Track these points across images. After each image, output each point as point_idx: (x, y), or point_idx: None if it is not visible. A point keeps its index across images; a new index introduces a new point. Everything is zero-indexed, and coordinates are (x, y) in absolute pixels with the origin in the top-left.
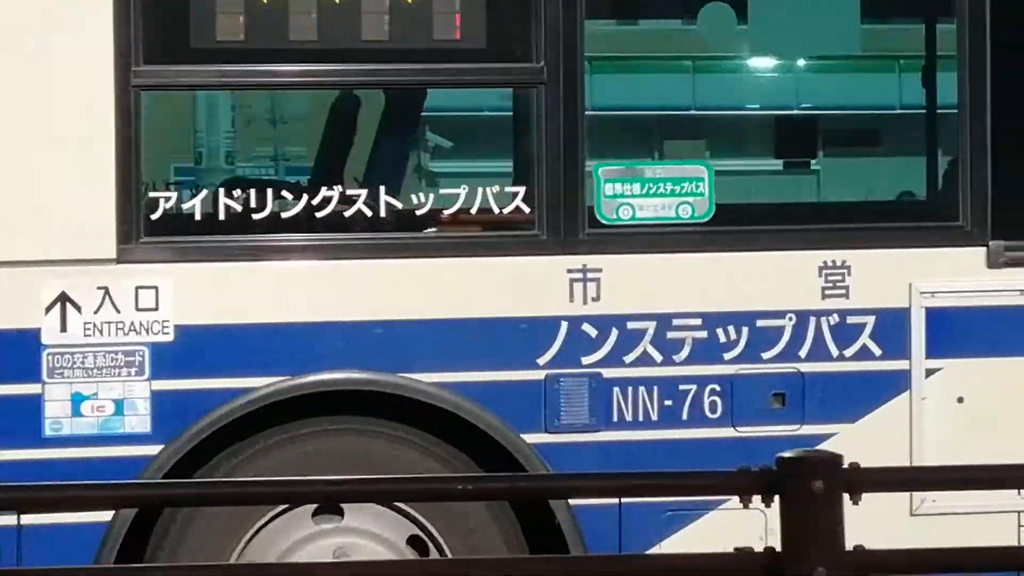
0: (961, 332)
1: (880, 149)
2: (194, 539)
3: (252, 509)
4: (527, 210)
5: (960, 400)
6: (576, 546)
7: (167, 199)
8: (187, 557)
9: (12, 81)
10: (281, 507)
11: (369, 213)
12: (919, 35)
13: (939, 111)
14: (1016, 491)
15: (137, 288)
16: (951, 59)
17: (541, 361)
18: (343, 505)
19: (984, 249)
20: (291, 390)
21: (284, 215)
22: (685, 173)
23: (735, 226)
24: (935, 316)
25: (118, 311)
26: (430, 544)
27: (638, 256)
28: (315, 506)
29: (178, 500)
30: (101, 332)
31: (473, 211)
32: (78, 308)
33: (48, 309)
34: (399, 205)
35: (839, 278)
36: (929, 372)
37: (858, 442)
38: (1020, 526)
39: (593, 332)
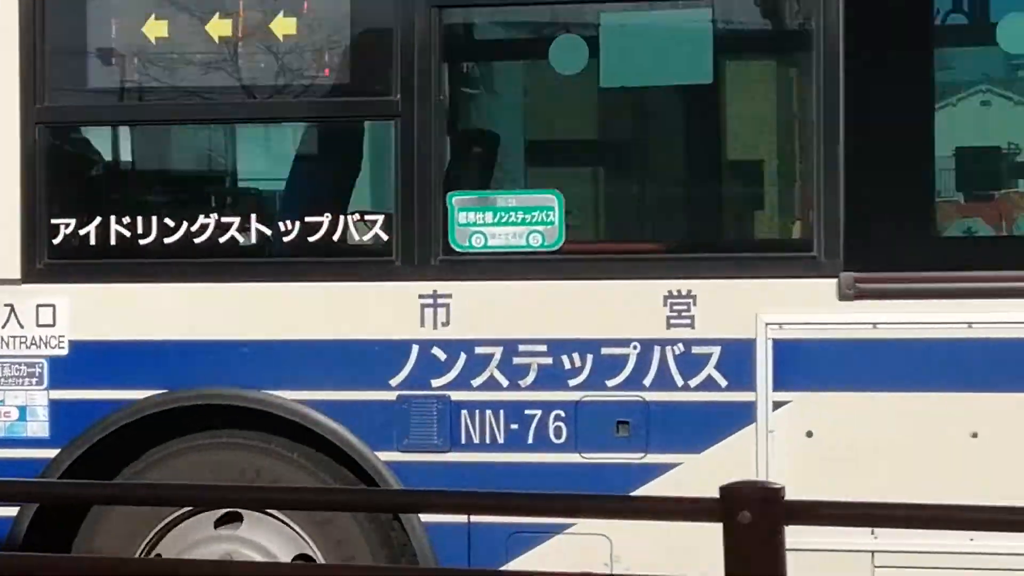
0: (810, 365)
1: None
2: (102, 538)
3: (156, 511)
4: (384, 237)
5: (809, 434)
6: (427, 561)
7: (67, 225)
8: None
9: None
10: (186, 510)
11: (241, 239)
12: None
13: (791, 141)
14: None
15: (37, 306)
16: (805, 93)
17: (394, 382)
18: (244, 515)
19: (835, 280)
20: (165, 402)
21: (166, 240)
22: (536, 202)
23: (581, 254)
24: (783, 348)
25: (21, 326)
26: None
27: (487, 283)
28: (221, 513)
29: (98, 499)
30: (7, 345)
31: (335, 238)
32: None
33: None
34: (268, 231)
35: (684, 307)
36: (777, 405)
37: (704, 473)
38: (874, 567)
39: (443, 356)
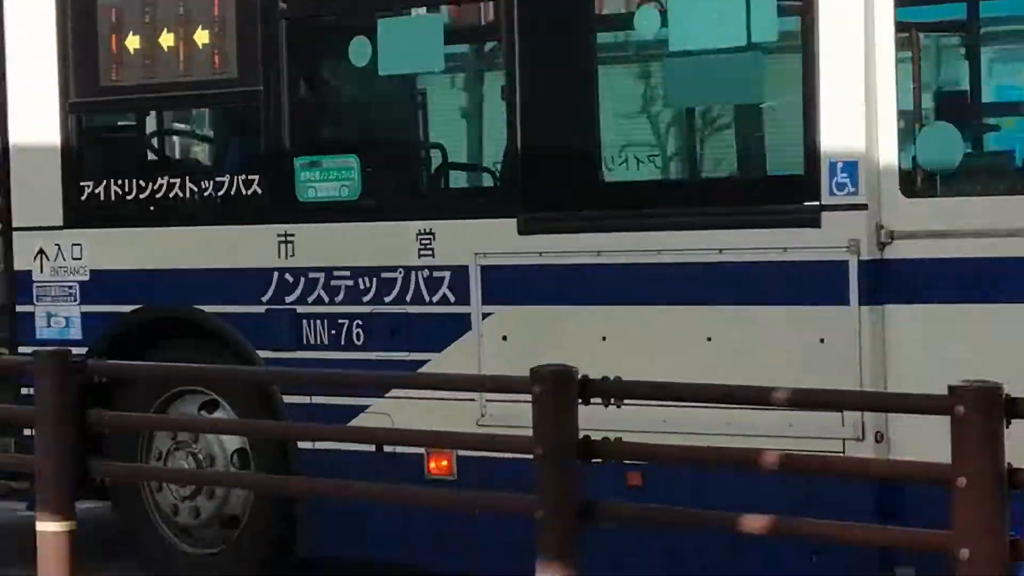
0: (503, 286)
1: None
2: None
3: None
4: (259, 191)
5: (504, 338)
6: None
7: (88, 187)
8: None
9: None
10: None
11: (179, 195)
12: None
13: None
14: None
15: (72, 244)
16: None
17: (263, 299)
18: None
19: (515, 220)
20: (140, 316)
21: (141, 197)
22: (342, 164)
23: (369, 203)
24: (486, 273)
25: (64, 259)
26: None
27: (317, 225)
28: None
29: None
30: (56, 273)
31: (229, 194)
32: (47, 257)
33: (35, 257)
34: (194, 192)
35: (428, 242)
36: (484, 316)
37: (445, 366)
38: None
39: (291, 279)
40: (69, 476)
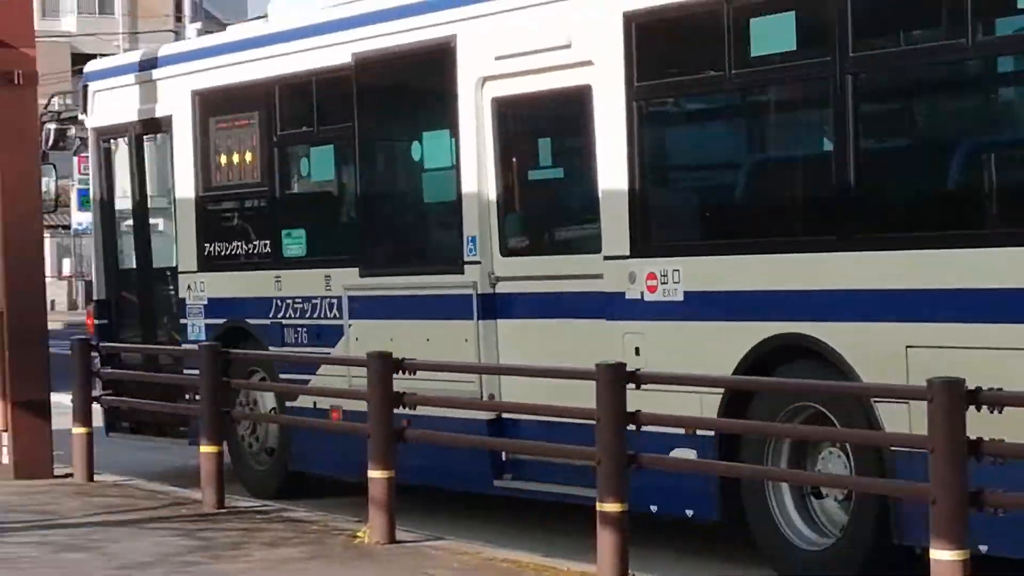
0: (355, 307)
1: None
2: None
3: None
4: None
5: (357, 339)
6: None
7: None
8: None
9: None
10: None
11: None
12: None
13: None
14: None
15: (200, 282)
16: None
17: (270, 316)
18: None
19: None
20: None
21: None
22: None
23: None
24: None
25: (198, 291)
26: None
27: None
28: None
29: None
30: (194, 299)
31: None
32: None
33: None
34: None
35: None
36: (349, 325)
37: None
38: None
39: (281, 304)
40: None
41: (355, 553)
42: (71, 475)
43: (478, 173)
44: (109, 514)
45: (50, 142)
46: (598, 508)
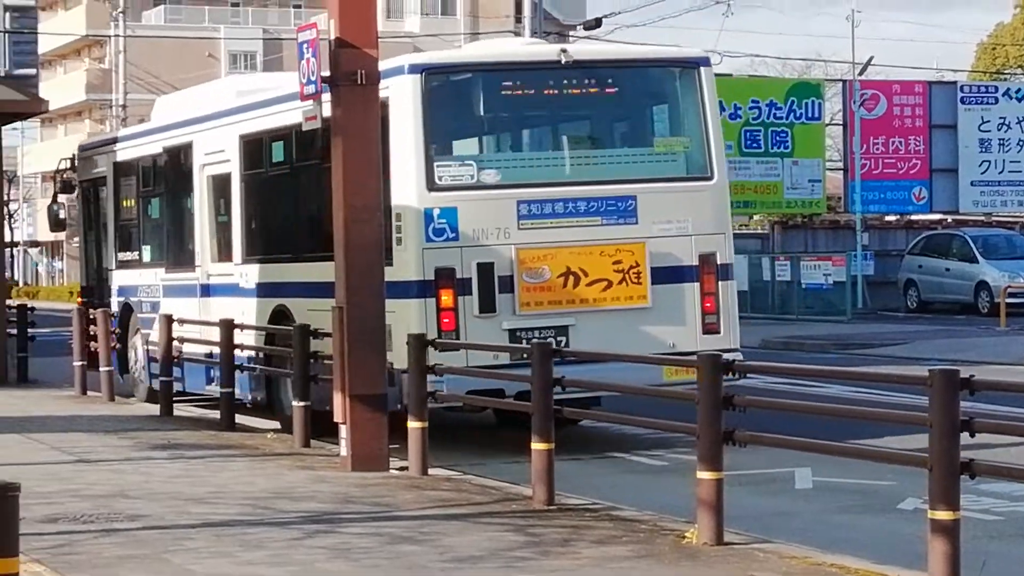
0: None
1: None
2: None
3: None
4: None
5: None
6: None
7: None
8: None
9: None
10: None
11: None
12: None
13: None
14: None
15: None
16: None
17: None
18: None
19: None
20: None
21: None
22: None
23: None
24: None
25: None
26: None
27: None
28: None
29: None
30: None
31: None
32: None
33: None
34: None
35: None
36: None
37: None
38: None
39: None
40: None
41: (683, 554)
42: (406, 468)
43: (200, 216)
44: (442, 507)
45: None
46: (930, 516)
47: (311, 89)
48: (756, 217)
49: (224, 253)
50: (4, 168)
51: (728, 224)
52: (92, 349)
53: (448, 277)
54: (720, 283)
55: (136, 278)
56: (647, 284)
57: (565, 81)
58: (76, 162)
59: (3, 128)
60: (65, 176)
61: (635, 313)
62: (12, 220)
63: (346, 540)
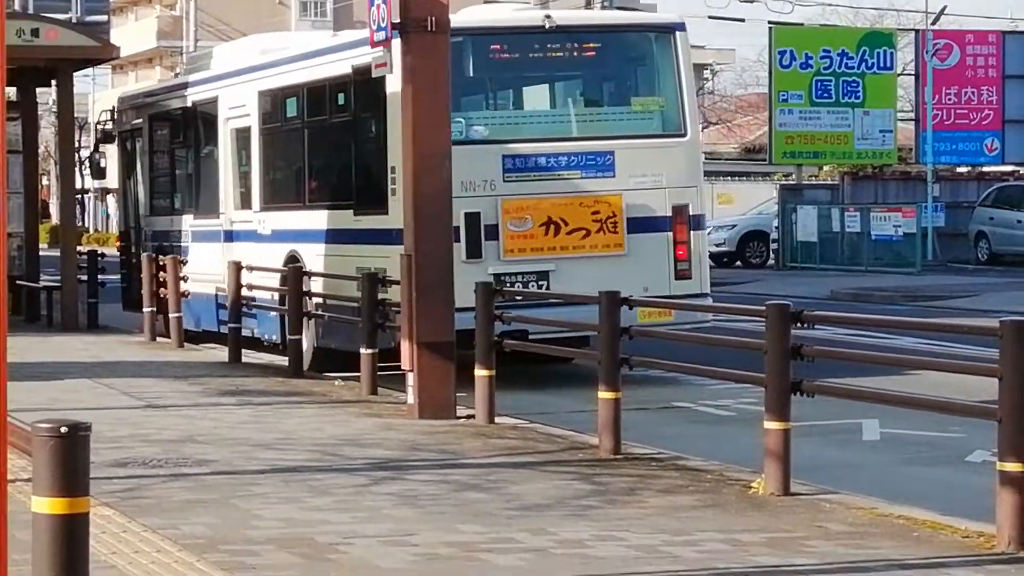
0: None
1: None
2: None
3: None
4: None
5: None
6: None
7: None
8: None
9: None
10: None
11: None
12: None
13: None
14: None
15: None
16: None
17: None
18: None
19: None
20: None
21: None
22: None
23: None
24: None
25: None
26: None
27: None
28: None
29: None
30: None
31: None
32: None
33: None
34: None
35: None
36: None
37: None
38: None
39: None
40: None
41: (749, 504)
42: (472, 416)
43: (224, 167)
44: (508, 456)
45: None
46: (999, 468)
47: (381, 36)
48: (826, 168)
49: (245, 201)
50: (75, 114)
51: (700, 178)
52: (161, 295)
53: None
54: (692, 232)
55: (168, 224)
56: (623, 233)
57: (549, 45)
58: (116, 113)
59: (74, 74)
60: (106, 127)
61: (612, 260)
62: (83, 167)
63: (412, 487)
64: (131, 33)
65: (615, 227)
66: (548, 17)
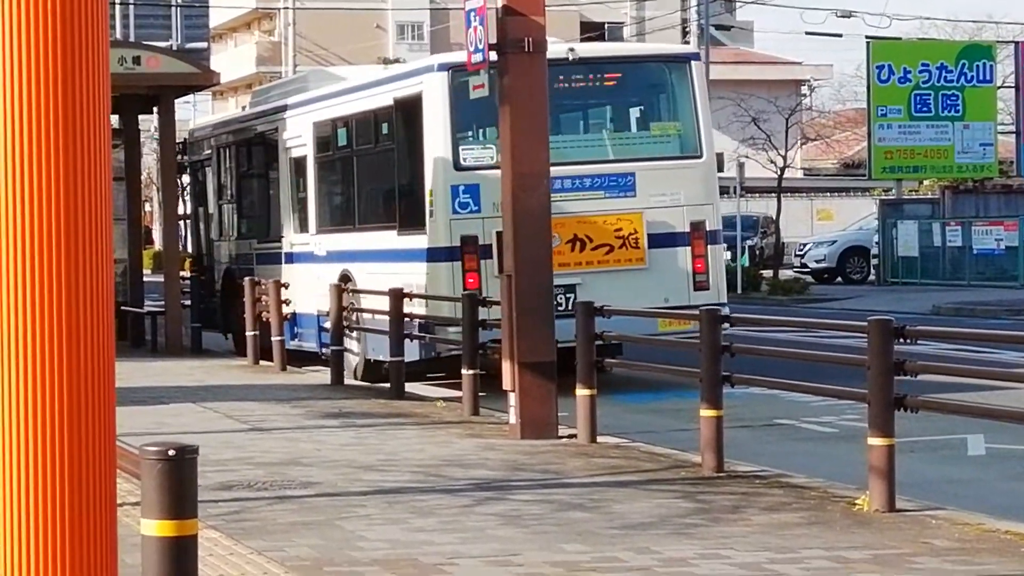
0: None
1: None
2: None
3: None
4: None
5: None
6: None
7: None
8: None
9: None
10: None
11: None
12: None
13: None
14: None
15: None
16: None
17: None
18: None
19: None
20: None
21: None
22: None
23: None
24: None
25: None
26: None
27: None
28: None
29: None
30: None
31: None
32: None
33: None
34: None
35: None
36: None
37: None
38: None
39: None
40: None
41: (854, 520)
42: (574, 436)
43: (284, 193)
44: (611, 475)
45: None
46: None
47: (479, 57)
48: (926, 182)
49: (303, 225)
50: (177, 140)
51: (716, 196)
52: (263, 319)
53: (472, 243)
54: (709, 247)
55: (235, 248)
56: (644, 248)
57: (573, 76)
58: (186, 145)
59: (175, 100)
60: (178, 159)
61: (634, 273)
62: (185, 192)
63: (516, 507)
64: (230, 59)
65: (636, 243)
66: (572, 50)
